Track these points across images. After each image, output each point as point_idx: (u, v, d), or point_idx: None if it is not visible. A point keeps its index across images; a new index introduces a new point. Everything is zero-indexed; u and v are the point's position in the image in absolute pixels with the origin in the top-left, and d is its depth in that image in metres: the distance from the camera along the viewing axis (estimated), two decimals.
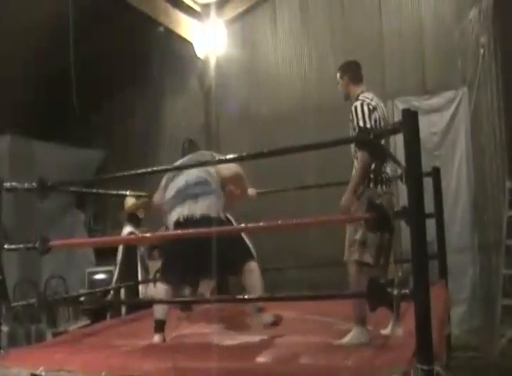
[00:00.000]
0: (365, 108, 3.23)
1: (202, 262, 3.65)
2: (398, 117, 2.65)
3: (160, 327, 3.68)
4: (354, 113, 3.26)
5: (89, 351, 3.44)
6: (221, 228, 3.52)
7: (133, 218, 5.68)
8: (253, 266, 3.75)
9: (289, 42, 7.63)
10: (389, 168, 3.26)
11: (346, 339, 3.11)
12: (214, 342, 3.47)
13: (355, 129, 3.24)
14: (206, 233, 3.37)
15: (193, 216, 3.73)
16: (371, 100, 3.31)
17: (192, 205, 3.76)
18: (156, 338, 3.64)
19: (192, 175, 3.90)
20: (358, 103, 3.28)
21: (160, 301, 4.61)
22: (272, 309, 3.84)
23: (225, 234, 3.60)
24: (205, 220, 3.67)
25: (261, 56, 7.79)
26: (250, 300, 3.75)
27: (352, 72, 3.58)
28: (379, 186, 3.22)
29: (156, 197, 4.16)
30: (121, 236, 5.66)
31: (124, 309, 5.58)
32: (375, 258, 3.18)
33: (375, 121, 3.21)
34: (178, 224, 3.73)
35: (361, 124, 3.19)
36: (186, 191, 3.85)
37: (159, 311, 3.70)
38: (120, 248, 5.69)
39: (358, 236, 3.19)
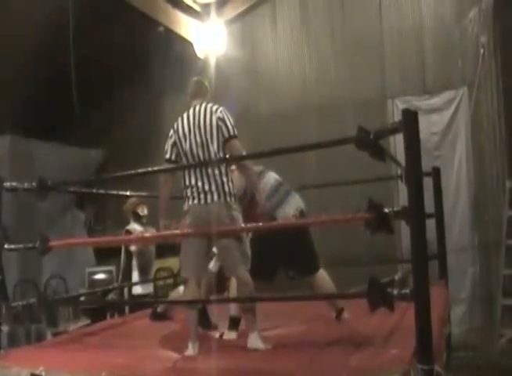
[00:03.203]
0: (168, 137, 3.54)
1: (291, 258, 3.89)
2: (398, 117, 2.65)
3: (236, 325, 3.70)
4: None
5: (89, 351, 3.45)
6: (231, 227, 3.49)
7: (136, 217, 5.81)
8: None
9: (289, 42, 7.63)
10: (198, 181, 3.32)
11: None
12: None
13: None
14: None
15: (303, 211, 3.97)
16: (176, 123, 3.51)
17: (298, 202, 4.01)
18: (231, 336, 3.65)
19: (273, 177, 4.07)
20: None
21: (160, 301, 4.62)
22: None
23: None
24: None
25: (261, 56, 7.79)
26: (249, 299, 3.75)
27: (188, 91, 3.67)
28: (189, 202, 3.35)
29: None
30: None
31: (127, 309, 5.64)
32: None
33: (173, 143, 3.50)
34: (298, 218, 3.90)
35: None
36: (284, 188, 4.00)
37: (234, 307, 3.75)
38: (122, 248, 5.89)
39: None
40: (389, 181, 6.34)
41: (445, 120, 6.60)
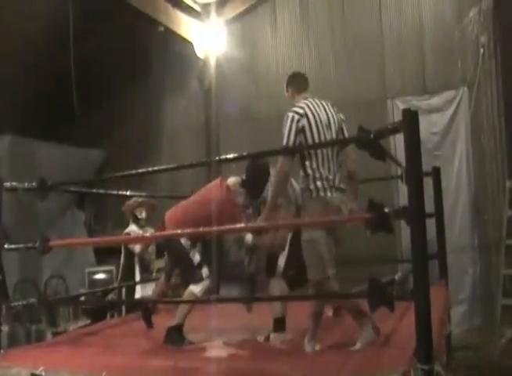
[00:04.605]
0: (289, 122, 3.20)
1: None
2: (398, 117, 2.65)
3: (282, 325, 3.54)
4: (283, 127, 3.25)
5: (89, 351, 3.45)
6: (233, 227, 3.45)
7: (134, 219, 5.76)
8: None
9: (289, 42, 7.63)
10: (331, 174, 3.18)
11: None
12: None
13: None
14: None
15: None
16: (301, 108, 3.25)
17: None
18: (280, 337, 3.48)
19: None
20: (285, 117, 3.26)
21: (162, 301, 4.60)
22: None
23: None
24: None
25: (261, 56, 7.79)
26: (248, 299, 3.75)
27: (294, 83, 3.63)
28: (328, 194, 3.17)
29: None
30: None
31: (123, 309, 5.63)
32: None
33: (301, 129, 3.18)
34: None
35: (283, 141, 3.19)
36: None
37: (277, 308, 3.56)
38: (122, 249, 5.83)
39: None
40: (389, 181, 6.34)
41: (445, 120, 6.60)
